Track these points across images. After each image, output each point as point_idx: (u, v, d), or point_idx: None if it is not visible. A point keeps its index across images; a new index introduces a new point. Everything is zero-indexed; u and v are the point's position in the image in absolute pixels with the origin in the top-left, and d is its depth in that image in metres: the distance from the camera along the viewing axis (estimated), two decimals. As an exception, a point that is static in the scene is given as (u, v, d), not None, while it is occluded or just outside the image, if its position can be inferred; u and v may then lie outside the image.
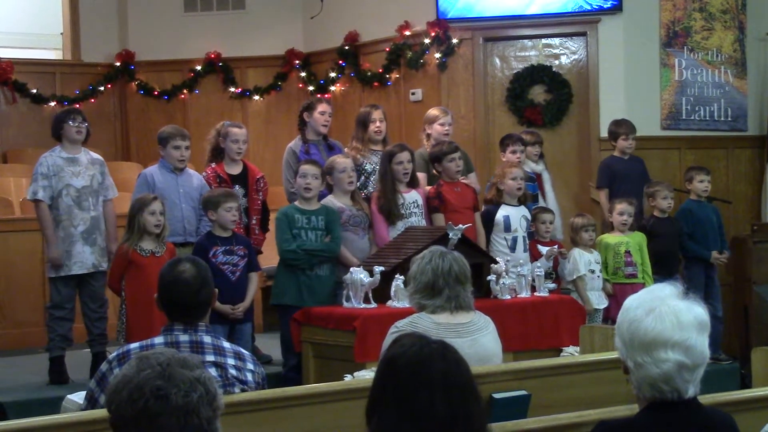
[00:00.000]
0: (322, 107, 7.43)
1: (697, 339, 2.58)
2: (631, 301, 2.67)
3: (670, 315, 2.58)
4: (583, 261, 7.33)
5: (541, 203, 7.78)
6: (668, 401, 2.59)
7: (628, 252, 7.54)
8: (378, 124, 7.42)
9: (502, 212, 7.08)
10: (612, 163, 8.38)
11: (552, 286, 6.77)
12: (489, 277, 6.32)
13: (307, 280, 6.52)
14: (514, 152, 7.71)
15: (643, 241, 7.61)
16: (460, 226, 6.28)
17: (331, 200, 6.78)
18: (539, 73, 9.40)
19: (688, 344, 2.56)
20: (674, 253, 7.90)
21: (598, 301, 7.33)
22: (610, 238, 7.62)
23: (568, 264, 7.32)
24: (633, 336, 2.59)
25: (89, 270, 6.70)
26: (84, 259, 6.67)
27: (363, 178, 7.28)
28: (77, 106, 10.69)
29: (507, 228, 7.05)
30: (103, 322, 6.77)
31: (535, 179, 7.82)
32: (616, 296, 7.30)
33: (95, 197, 6.76)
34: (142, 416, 2.12)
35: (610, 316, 7.18)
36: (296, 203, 6.66)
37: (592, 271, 7.36)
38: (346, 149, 7.41)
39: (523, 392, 4.11)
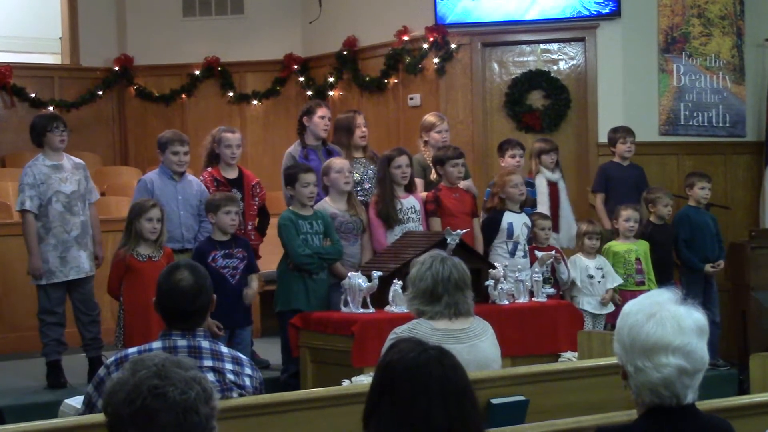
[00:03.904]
0: (321, 111, 7.42)
1: (697, 344, 2.58)
2: (630, 307, 2.67)
3: (671, 320, 2.58)
4: (580, 267, 7.31)
5: (543, 211, 7.74)
6: (667, 407, 2.59)
7: (638, 260, 7.53)
8: (363, 129, 7.41)
9: (506, 219, 7.05)
10: (608, 167, 8.39)
11: (551, 291, 6.76)
12: (487, 283, 6.32)
13: (313, 284, 6.52)
14: (513, 156, 7.71)
15: (648, 248, 7.60)
16: (459, 231, 6.28)
17: (325, 204, 6.77)
18: (537, 79, 9.41)
19: (688, 349, 2.57)
20: (670, 261, 7.91)
21: (597, 306, 7.30)
22: (618, 246, 7.58)
23: (567, 268, 7.30)
24: (634, 341, 2.59)
25: (87, 274, 6.71)
26: (80, 263, 6.67)
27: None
28: (75, 110, 10.77)
29: (510, 235, 7.04)
30: (96, 326, 6.76)
31: (533, 184, 7.81)
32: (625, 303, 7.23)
33: (83, 202, 6.76)
34: (141, 415, 2.12)
35: (612, 321, 7.16)
36: (293, 209, 6.65)
37: (591, 277, 7.34)
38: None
39: (521, 398, 4.10)
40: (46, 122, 6.79)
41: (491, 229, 7.09)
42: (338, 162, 6.82)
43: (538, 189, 7.82)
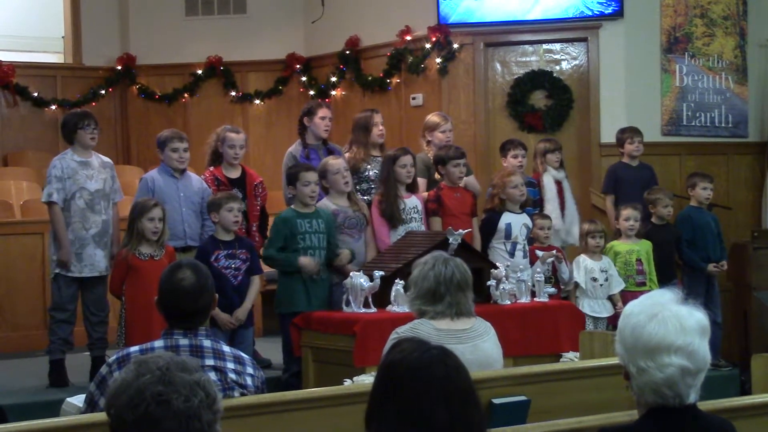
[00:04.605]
0: (322, 112, 7.42)
1: (699, 344, 2.59)
2: (632, 307, 2.67)
3: (673, 320, 2.58)
4: (583, 268, 7.30)
5: (552, 211, 7.73)
6: (668, 407, 2.59)
7: (639, 260, 7.53)
8: (381, 127, 7.43)
9: (504, 220, 7.05)
10: (617, 168, 8.37)
11: (552, 290, 6.76)
12: (489, 283, 6.31)
13: (313, 285, 6.51)
14: (515, 157, 7.71)
15: (650, 249, 7.59)
16: (461, 231, 6.28)
17: (326, 202, 6.77)
18: (540, 79, 9.41)
19: (691, 349, 2.57)
20: (671, 261, 7.90)
21: (600, 309, 7.29)
22: (620, 245, 7.58)
23: (568, 268, 7.30)
24: (636, 341, 2.59)
25: (101, 273, 6.72)
26: (95, 261, 6.69)
27: (365, 185, 7.27)
28: (82, 108, 10.77)
29: (508, 235, 7.03)
30: (104, 327, 6.77)
31: (536, 184, 7.81)
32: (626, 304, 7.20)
33: (107, 200, 6.78)
34: (143, 421, 2.12)
35: (616, 323, 7.12)
36: (294, 207, 6.65)
37: (594, 279, 7.32)
38: (346, 154, 7.40)
39: (523, 398, 4.10)
40: (78, 119, 6.83)
41: (488, 229, 7.08)
42: (334, 163, 6.80)
43: (547, 187, 7.81)
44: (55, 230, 6.68)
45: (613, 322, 7.23)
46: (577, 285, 7.33)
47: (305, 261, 6.43)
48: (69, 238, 6.62)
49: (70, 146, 6.81)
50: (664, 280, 7.45)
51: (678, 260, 8.03)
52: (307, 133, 7.45)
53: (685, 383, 2.57)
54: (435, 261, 4.30)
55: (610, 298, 7.37)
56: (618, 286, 7.36)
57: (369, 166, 7.30)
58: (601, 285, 7.32)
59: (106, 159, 6.97)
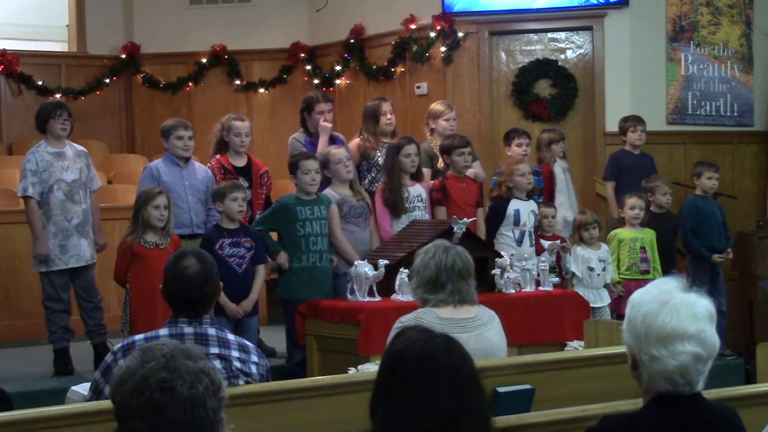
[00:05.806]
0: (320, 107, 7.37)
1: (710, 330, 2.60)
2: (640, 296, 2.66)
3: (685, 307, 2.58)
4: (580, 258, 7.28)
5: (560, 200, 7.73)
6: (672, 396, 2.59)
7: (643, 248, 7.52)
8: (389, 116, 7.44)
9: (512, 206, 7.05)
10: (620, 156, 8.38)
11: (556, 280, 6.76)
12: (493, 271, 6.31)
13: (317, 273, 6.51)
14: (519, 145, 7.70)
15: (654, 237, 7.58)
16: (465, 219, 6.28)
17: (330, 192, 6.77)
18: (545, 68, 9.40)
19: (703, 336, 2.58)
20: (671, 249, 7.89)
21: (595, 298, 7.27)
22: (624, 233, 7.57)
23: (569, 258, 7.29)
24: (649, 329, 2.58)
25: (87, 262, 6.72)
26: (80, 251, 6.68)
27: (375, 171, 7.27)
28: (82, 98, 10.79)
29: (516, 222, 7.04)
30: (99, 312, 6.78)
31: (540, 173, 7.81)
32: (630, 292, 7.18)
33: (84, 190, 6.77)
34: (148, 408, 2.13)
35: (621, 312, 7.09)
36: (297, 194, 6.65)
37: (591, 269, 7.30)
38: (357, 141, 7.40)
39: (527, 386, 4.10)
40: (49, 109, 6.80)
41: (497, 216, 7.08)
42: (336, 152, 6.80)
43: (558, 179, 7.82)
44: (31, 225, 6.67)
45: (613, 308, 7.23)
46: (573, 274, 7.31)
47: (283, 259, 6.50)
48: (52, 231, 6.62)
49: (43, 137, 6.78)
50: (664, 269, 7.45)
51: (681, 249, 8.02)
52: (308, 123, 7.47)
53: (697, 370, 2.58)
54: (436, 249, 4.33)
55: (606, 287, 7.35)
56: (611, 275, 7.35)
57: (379, 154, 7.31)
58: (598, 275, 7.29)
59: (81, 148, 6.94)
